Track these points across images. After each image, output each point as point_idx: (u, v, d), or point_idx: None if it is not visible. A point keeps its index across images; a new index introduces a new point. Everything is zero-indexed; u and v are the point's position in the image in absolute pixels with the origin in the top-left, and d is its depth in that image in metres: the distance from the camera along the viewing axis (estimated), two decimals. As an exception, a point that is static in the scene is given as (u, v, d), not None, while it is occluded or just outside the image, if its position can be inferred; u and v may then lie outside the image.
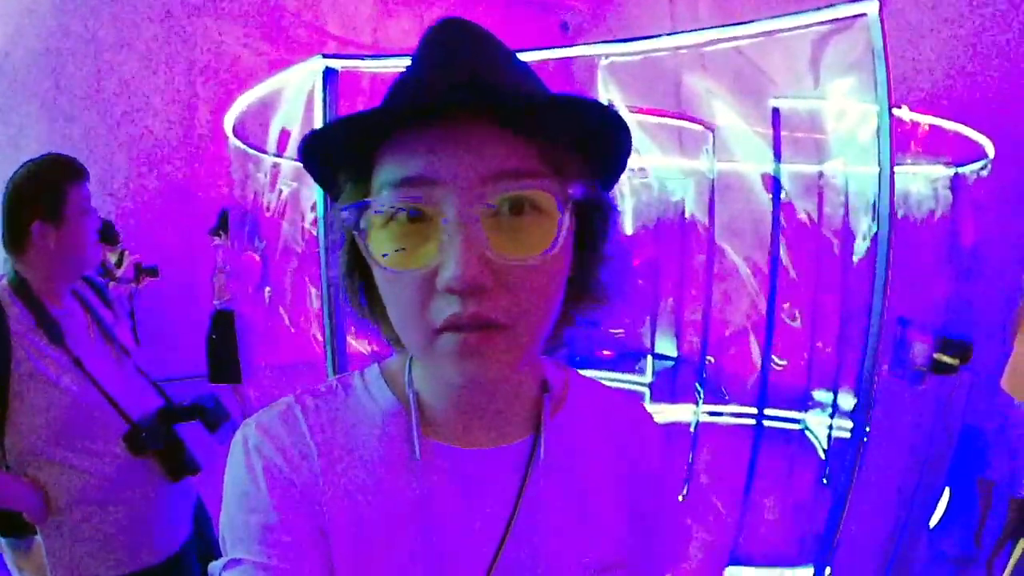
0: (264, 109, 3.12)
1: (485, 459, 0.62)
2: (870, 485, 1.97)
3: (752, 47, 1.88)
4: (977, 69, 4.75)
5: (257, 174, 4.33)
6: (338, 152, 0.54)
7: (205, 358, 4.99)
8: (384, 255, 0.51)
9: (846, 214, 4.27)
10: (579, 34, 9.61)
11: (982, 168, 3.96)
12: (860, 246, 4.39)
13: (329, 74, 2.06)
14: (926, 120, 3.34)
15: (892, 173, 1.64)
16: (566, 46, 8.68)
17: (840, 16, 1.64)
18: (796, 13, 1.70)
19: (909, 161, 3.62)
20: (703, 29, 1.89)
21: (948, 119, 3.53)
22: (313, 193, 4.05)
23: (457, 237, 0.47)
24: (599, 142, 0.54)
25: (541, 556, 0.62)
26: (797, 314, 4.89)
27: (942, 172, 4.06)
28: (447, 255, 0.47)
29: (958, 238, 4.17)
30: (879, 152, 1.65)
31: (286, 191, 4.62)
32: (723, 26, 1.87)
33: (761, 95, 3.08)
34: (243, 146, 4.06)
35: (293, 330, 5.43)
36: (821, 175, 4.59)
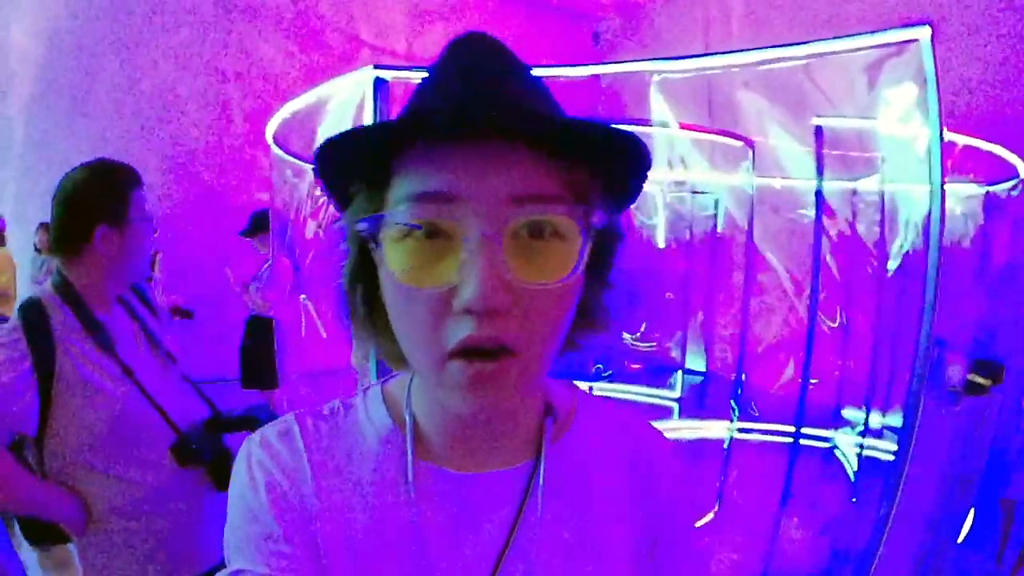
0: (307, 118, 3.15)
1: (481, 484, 0.61)
2: (903, 503, 1.97)
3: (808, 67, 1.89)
4: (1009, 90, 4.78)
5: (296, 182, 4.37)
6: (355, 161, 0.54)
7: (238, 363, 5.07)
8: (400, 270, 0.50)
9: (881, 232, 4.26)
10: (611, 46, 9.65)
11: (1014, 187, 3.94)
12: (892, 264, 4.38)
13: (379, 84, 2.05)
14: (961, 139, 3.34)
15: (943, 196, 1.65)
16: (609, 62, 8.77)
17: (892, 41, 1.66)
18: (849, 36, 1.72)
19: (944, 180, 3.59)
20: (755, 49, 1.92)
21: (981, 139, 3.53)
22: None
23: (479, 258, 0.47)
24: (620, 168, 0.54)
25: None
26: (837, 317, 4.81)
27: (974, 191, 4.05)
28: (467, 275, 0.47)
29: (989, 257, 4.16)
30: (930, 175, 1.66)
31: (324, 199, 4.63)
32: (775, 46, 1.90)
33: (812, 113, 3.09)
34: (284, 154, 4.11)
35: (326, 336, 5.47)
36: (855, 192, 4.58)
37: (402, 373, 0.66)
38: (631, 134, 0.50)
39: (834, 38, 1.75)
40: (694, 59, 2.11)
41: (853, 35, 1.71)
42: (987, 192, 4.06)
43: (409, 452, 0.61)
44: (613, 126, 0.48)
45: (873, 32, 1.67)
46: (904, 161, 3.33)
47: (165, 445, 1.57)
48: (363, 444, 0.63)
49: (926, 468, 2.37)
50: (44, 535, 1.57)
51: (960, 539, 3.26)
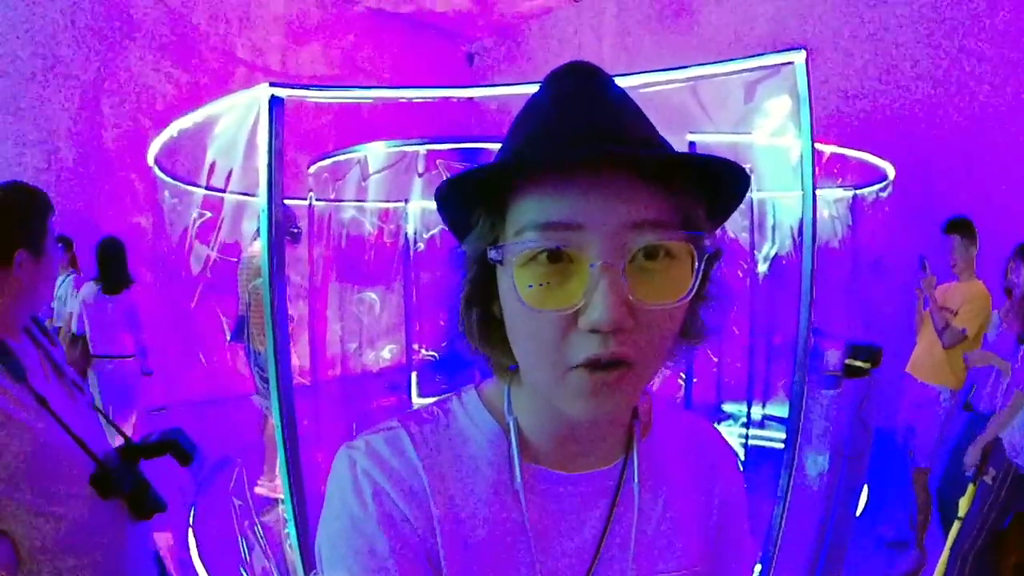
0: (193, 138, 3.03)
1: (582, 482, 0.66)
2: (798, 483, 2.15)
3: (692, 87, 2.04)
4: (880, 101, 5.36)
5: (175, 204, 4.18)
6: (475, 194, 0.58)
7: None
8: (527, 293, 0.53)
9: (751, 237, 4.59)
10: (485, 66, 9.85)
11: (881, 189, 4.45)
12: (762, 267, 4.76)
13: (275, 102, 2.03)
14: (829, 148, 3.73)
15: (815, 201, 1.84)
16: (481, 85, 8.91)
17: (772, 63, 1.85)
18: (730, 60, 1.91)
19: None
20: (640, 72, 2.07)
21: (853, 147, 3.97)
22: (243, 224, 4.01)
23: (603, 281, 0.50)
24: (723, 193, 0.58)
25: (631, 572, 0.65)
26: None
27: (842, 195, 4.49)
28: (593, 298, 0.50)
29: (858, 253, 4.64)
30: (803, 184, 1.85)
31: (200, 221, 4.46)
32: (658, 70, 2.05)
33: (690, 131, 3.34)
34: (165, 177, 3.96)
35: (206, 364, 5.26)
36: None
37: (490, 381, 0.70)
38: (734, 163, 0.53)
39: (717, 61, 1.93)
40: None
41: (736, 59, 1.89)
42: (854, 195, 4.52)
43: (516, 454, 0.64)
44: (718, 156, 0.52)
45: (754, 55, 1.86)
46: (775, 171, 3.66)
47: (84, 477, 1.50)
48: (471, 447, 0.66)
49: (814, 448, 2.61)
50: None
51: (859, 510, 3.58)
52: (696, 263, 0.53)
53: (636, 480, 0.66)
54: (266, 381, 2.27)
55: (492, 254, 0.55)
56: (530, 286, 0.53)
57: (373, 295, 6.30)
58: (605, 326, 0.50)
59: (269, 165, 2.03)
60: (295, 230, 4.26)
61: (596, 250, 0.51)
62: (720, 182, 0.56)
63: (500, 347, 0.62)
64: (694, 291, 0.53)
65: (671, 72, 2.03)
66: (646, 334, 0.53)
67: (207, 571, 3.04)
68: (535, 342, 0.55)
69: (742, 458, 4.40)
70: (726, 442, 0.80)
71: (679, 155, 0.52)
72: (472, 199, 0.59)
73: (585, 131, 0.54)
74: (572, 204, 0.51)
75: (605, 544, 0.65)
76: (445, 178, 0.56)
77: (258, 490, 4.13)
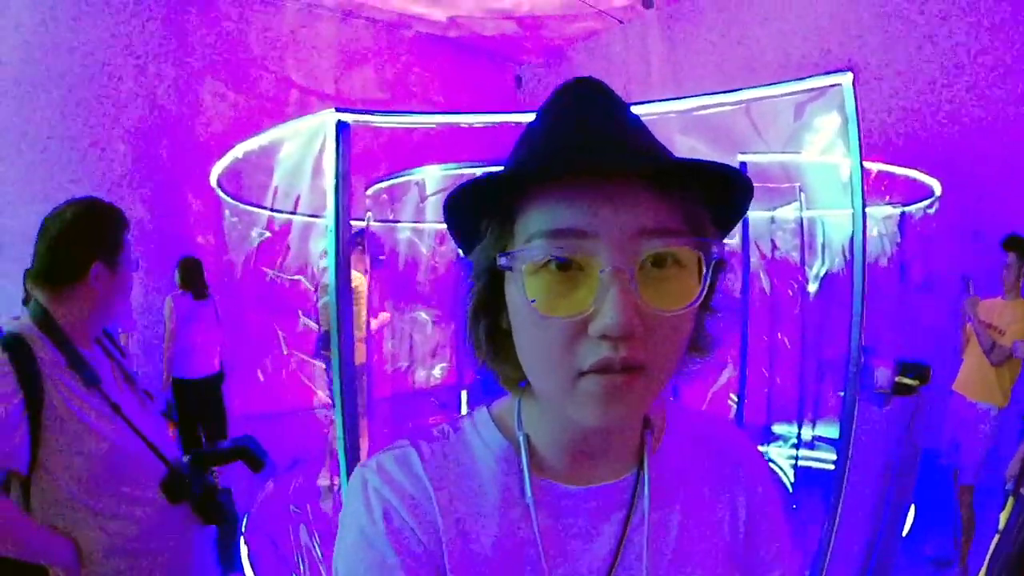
0: (258, 160, 3.13)
1: (593, 497, 0.65)
2: (846, 500, 2.15)
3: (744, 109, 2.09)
4: (928, 120, 5.32)
5: (235, 223, 4.33)
6: (484, 203, 0.58)
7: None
8: (537, 300, 0.53)
9: (801, 255, 4.58)
10: (533, 89, 9.98)
11: (928, 206, 4.45)
12: (812, 286, 4.73)
13: (342, 127, 2.10)
14: (876, 166, 3.75)
15: (865, 221, 1.87)
16: (532, 110, 9.00)
17: (819, 86, 1.90)
18: (778, 83, 1.96)
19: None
20: (690, 96, 2.14)
21: (901, 164, 4.00)
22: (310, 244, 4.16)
23: (613, 287, 0.50)
24: (729, 200, 0.59)
25: None
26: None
27: (890, 212, 4.48)
28: (604, 304, 0.50)
29: (908, 269, 4.62)
30: (852, 203, 1.88)
31: (260, 240, 4.60)
32: (708, 94, 2.10)
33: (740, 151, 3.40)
34: (227, 197, 4.12)
35: (263, 379, 5.41)
36: (773, 220, 4.92)
37: (503, 398, 0.71)
38: (738, 170, 0.55)
39: (764, 85, 1.98)
40: (637, 105, 2.29)
41: (782, 82, 1.94)
42: (902, 212, 4.52)
43: (526, 469, 0.64)
44: (721, 163, 0.53)
45: (802, 78, 1.91)
46: (824, 189, 3.68)
47: (153, 481, 1.57)
48: (480, 464, 0.67)
49: (862, 466, 2.59)
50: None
51: (906, 529, 3.56)
52: (704, 270, 0.54)
53: (647, 496, 0.65)
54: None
55: (502, 260, 0.55)
56: (538, 296, 0.53)
57: (425, 315, 6.43)
58: (616, 331, 0.50)
59: (336, 187, 2.09)
60: (381, 257, 4.38)
61: (606, 257, 0.51)
62: (725, 189, 0.57)
63: (508, 360, 0.62)
64: (703, 297, 0.54)
65: (719, 95, 2.08)
66: (655, 341, 0.53)
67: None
68: (545, 350, 0.55)
69: (791, 479, 4.36)
70: (750, 442, 0.78)
71: (684, 162, 0.52)
72: (481, 209, 0.59)
73: (593, 141, 0.56)
74: (581, 212, 0.52)
75: (620, 560, 0.64)
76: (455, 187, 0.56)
77: (320, 481, 4.29)
